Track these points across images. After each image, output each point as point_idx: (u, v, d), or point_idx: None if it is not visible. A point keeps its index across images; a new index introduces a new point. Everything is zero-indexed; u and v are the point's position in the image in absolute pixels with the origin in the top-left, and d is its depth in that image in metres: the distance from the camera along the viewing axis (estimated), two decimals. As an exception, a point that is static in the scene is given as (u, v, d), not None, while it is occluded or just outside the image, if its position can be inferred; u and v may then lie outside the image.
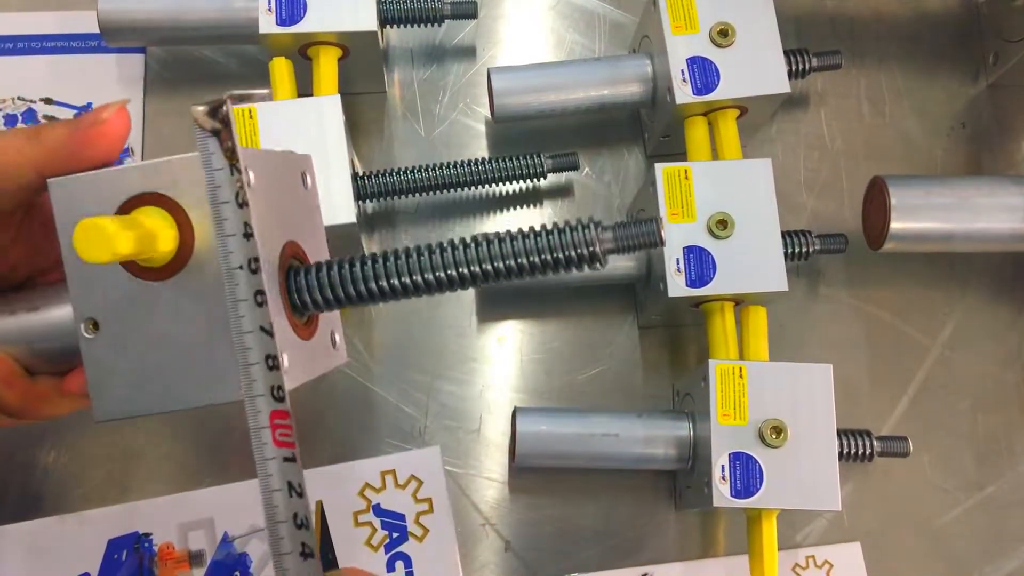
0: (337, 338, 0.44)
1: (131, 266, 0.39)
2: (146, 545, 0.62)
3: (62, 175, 0.39)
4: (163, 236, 0.37)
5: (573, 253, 0.38)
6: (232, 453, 0.65)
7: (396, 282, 0.39)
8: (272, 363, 0.35)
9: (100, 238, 0.34)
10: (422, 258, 0.39)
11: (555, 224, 0.38)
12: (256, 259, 0.35)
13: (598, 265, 0.39)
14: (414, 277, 0.39)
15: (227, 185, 0.35)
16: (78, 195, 0.39)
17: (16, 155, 0.40)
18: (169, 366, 0.39)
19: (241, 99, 0.40)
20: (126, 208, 0.38)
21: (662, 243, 0.39)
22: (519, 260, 0.38)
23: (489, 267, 0.38)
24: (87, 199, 0.39)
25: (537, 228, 0.38)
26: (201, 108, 0.34)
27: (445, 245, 0.39)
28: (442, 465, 0.65)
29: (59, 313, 0.44)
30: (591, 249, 0.38)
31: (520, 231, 0.39)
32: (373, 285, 0.39)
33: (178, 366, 0.39)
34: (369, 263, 0.39)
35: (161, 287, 0.39)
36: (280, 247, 0.39)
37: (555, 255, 0.38)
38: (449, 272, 0.38)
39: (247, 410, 0.35)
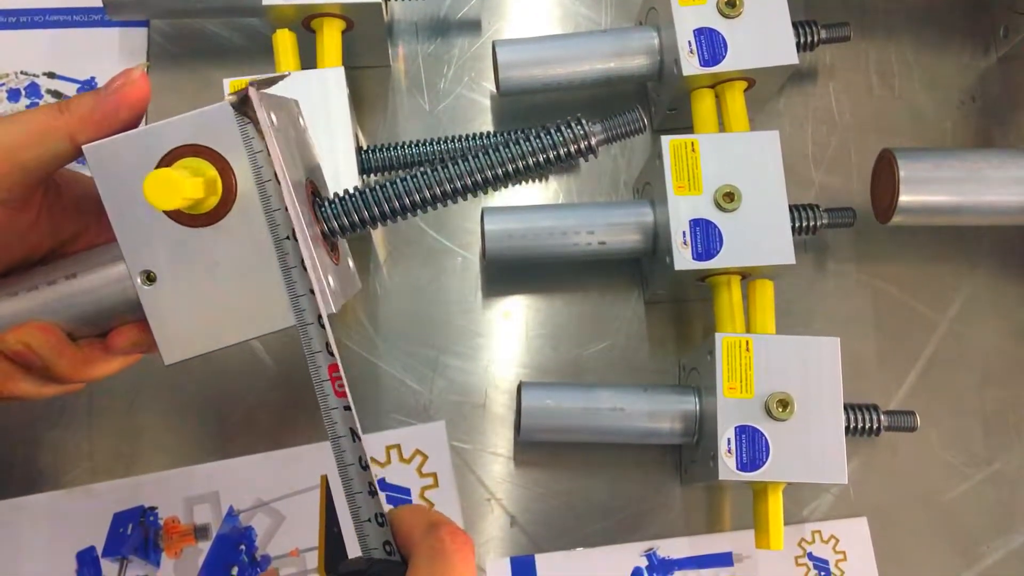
0: (350, 263, 0.49)
1: (178, 216, 0.41)
2: (151, 519, 0.62)
3: (93, 141, 0.40)
4: (209, 173, 0.40)
5: (571, 149, 0.43)
6: (238, 427, 0.65)
7: (416, 197, 0.43)
8: (322, 322, 0.39)
9: (170, 185, 0.37)
10: (435, 173, 0.43)
11: (547, 126, 0.42)
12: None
13: (592, 157, 0.43)
14: (431, 191, 0.43)
15: (267, 165, 0.39)
16: (116, 156, 0.40)
17: (47, 125, 0.41)
18: (224, 303, 0.42)
19: (262, 84, 0.40)
20: (165, 163, 0.40)
21: (645, 128, 0.44)
22: (522, 162, 0.43)
23: (498, 172, 0.43)
24: (125, 159, 0.40)
25: (533, 132, 0.43)
26: (232, 98, 0.39)
27: (455, 156, 0.43)
28: (447, 440, 0.65)
29: (98, 277, 0.45)
30: (585, 143, 0.42)
31: (518, 135, 0.43)
32: (396, 203, 0.43)
33: (232, 302, 0.42)
34: (388, 185, 0.43)
35: (209, 231, 0.41)
36: (304, 186, 0.43)
37: (555, 152, 0.43)
38: (462, 182, 0.43)
39: (309, 367, 0.40)
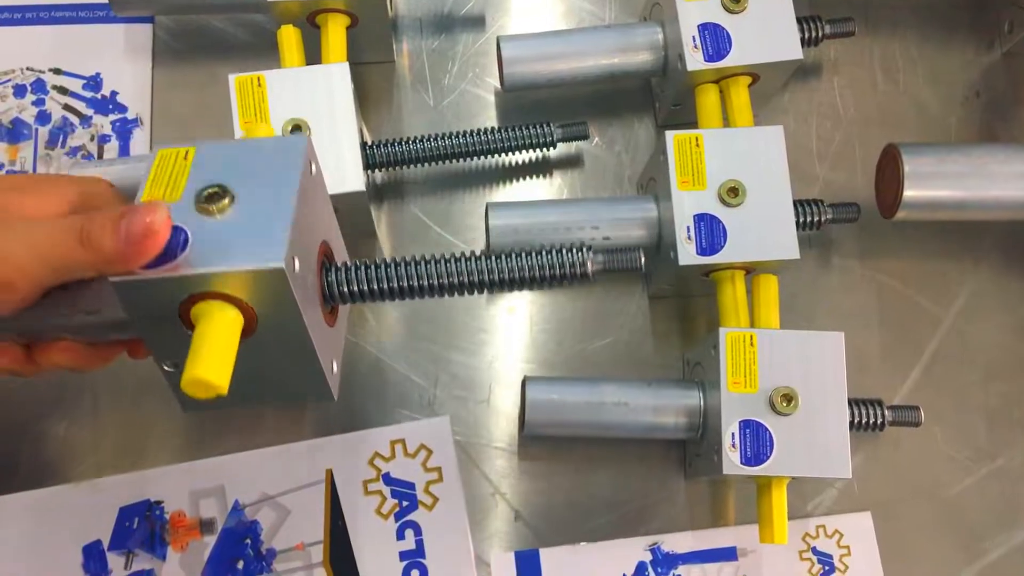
0: (344, 323, 0.51)
1: None
2: (157, 513, 0.63)
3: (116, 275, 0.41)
4: (232, 325, 0.41)
5: (568, 271, 0.47)
6: (243, 422, 0.65)
7: (417, 283, 0.47)
8: None
9: (206, 388, 0.39)
10: (438, 265, 0.47)
11: (552, 246, 0.46)
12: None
13: (588, 281, 0.47)
14: (435, 280, 0.47)
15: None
16: (144, 290, 0.41)
17: (69, 257, 0.41)
18: (244, 381, 0.43)
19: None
20: (190, 302, 0.41)
21: (642, 269, 0.48)
22: (520, 275, 0.47)
23: (494, 278, 0.47)
24: (154, 295, 0.41)
25: (537, 248, 0.46)
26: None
27: (459, 256, 0.47)
28: (451, 434, 0.65)
29: (120, 314, 0.44)
30: (583, 269, 0.47)
31: (523, 250, 0.47)
32: (396, 284, 0.47)
33: (253, 383, 0.46)
34: (394, 265, 0.47)
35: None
36: (315, 252, 0.46)
37: (552, 272, 0.47)
38: (460, 279, 0.47)
39: None
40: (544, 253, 0.47)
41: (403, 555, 0.63)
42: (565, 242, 0.47)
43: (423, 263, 0.47)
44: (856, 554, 0.65)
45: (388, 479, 0.64)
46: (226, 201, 0.42)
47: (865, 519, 0.66)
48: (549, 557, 0.64)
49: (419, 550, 0.63)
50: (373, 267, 0.47)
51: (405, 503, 0.64)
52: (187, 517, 0.63)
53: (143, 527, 0.62)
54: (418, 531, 0.63)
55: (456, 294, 0.48)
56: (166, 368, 0.46)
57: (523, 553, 0.64)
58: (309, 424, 0.65)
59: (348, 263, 0.47)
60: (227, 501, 0.63)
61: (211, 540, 0.62)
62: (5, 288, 0.42)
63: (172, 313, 0.42)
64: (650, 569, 0.64)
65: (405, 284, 0.47)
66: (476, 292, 0.48)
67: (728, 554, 0.65)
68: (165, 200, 0.42)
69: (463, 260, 0.47)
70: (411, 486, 0.64)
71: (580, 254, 0.47)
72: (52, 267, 0.42)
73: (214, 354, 0.40)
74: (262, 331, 0.43)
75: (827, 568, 0.65)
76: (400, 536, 0.63)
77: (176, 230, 0.41)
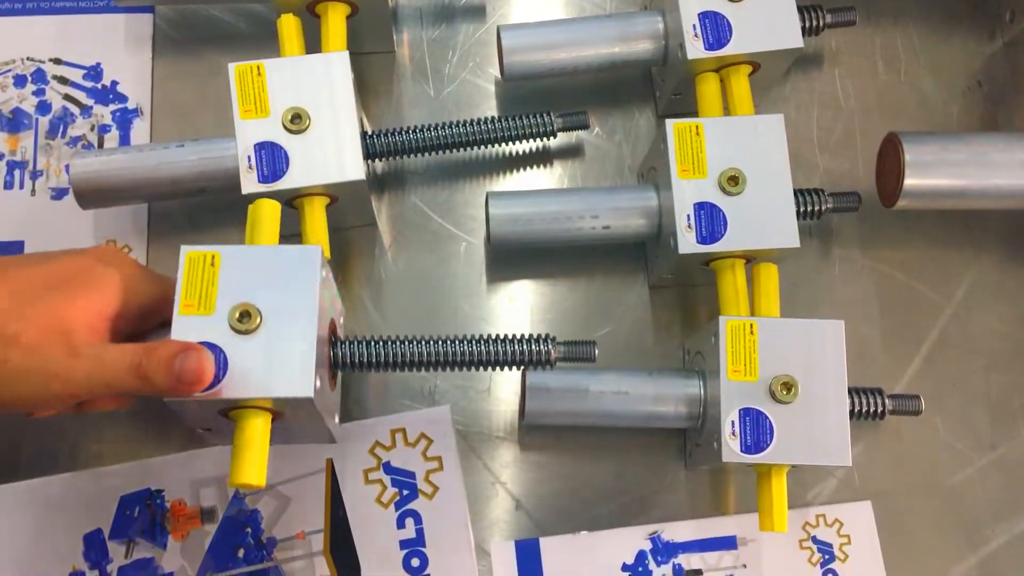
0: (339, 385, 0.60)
1: None
2: (158, 502, 0.63)
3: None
4: (265, 428, 0.51)
5: (533, 357, 0.56)
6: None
7: (408, 359, 0.56)
8: None
9: (250, 488, 0.52)
10: (422, 346, 0.56)
11: (521, 335, 0.56)
12: None
13: (548, 368, 0.57)
14: (422, 359, 0.56)
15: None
16: (191, 407, 0.50)
17: (125, 383, 0.48)
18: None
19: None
20: (224, 410, 0.51)
21: (595, 360, 0.57)
22: (491, 358, 0.56)
23: (474, 358, 0.56)
24: (197, 409, 0.50)
25: (505, 336, 0.56)
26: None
27: (447, 340, 0.56)
28: (452, 424, 0.65)
29: None
30: (547, 357, 0.56)
31: (497, 337, 0.56)
32: (391, 359, 0.56)
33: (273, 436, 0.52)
34: (390, 344, 0.56)
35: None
36: (327, 332, 0.55)
37: (519, 357, 0.56)
38: (446, 359, 0.56)
39: None
40: (514, 343, 0.56)
41: (403, 544, 0.63)
42: (533, 334, 0.56)
43: (414, 343, 0.56)
44: (856, 543, 0.65)
45: (388, 468, 0.64)
46: (256, 322, 0.50)
47: (865, 508, 0.66)
48: (549, 546, 0.64)
49: (419, 539, 0.63)
50: (371, 343, 0.56)
51: (405, 492, 0.64)
52: (187, 506, 0.63)
53: (144, 516, 0.63)
54: (418, 520, 0.63)
55: (442, 369, 0.57)
56: (199, 430, 0.56)
57: (523, 542, 0.64)
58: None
59: (350, 338, 0.57)
60: (227, 490, 0.63)
61: (212, 529, 0.63)
62: (64, 401, 0.50)
63: (213, 413, 0.51)
64: (650, 558, 0.64)
65: (398, 360, 0.56)
66: (456, 369, 0.57)
67: (728, 543, 0.65)
68: (200, 313, 0.50)
69: (447, 344, 0.56)
70: (411, 475, 0.64)
71: (546, 344, 0.56)
72: (108, 388, 0.49)
73: (253, 460, 0.49)
74: (286, 419, 0.53)
75: (827, 557, 0.65)
76: (400, 525, 0.63)
77: (216, 351, 0.49)
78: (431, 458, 0.64)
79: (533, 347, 0.56)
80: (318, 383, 0.51)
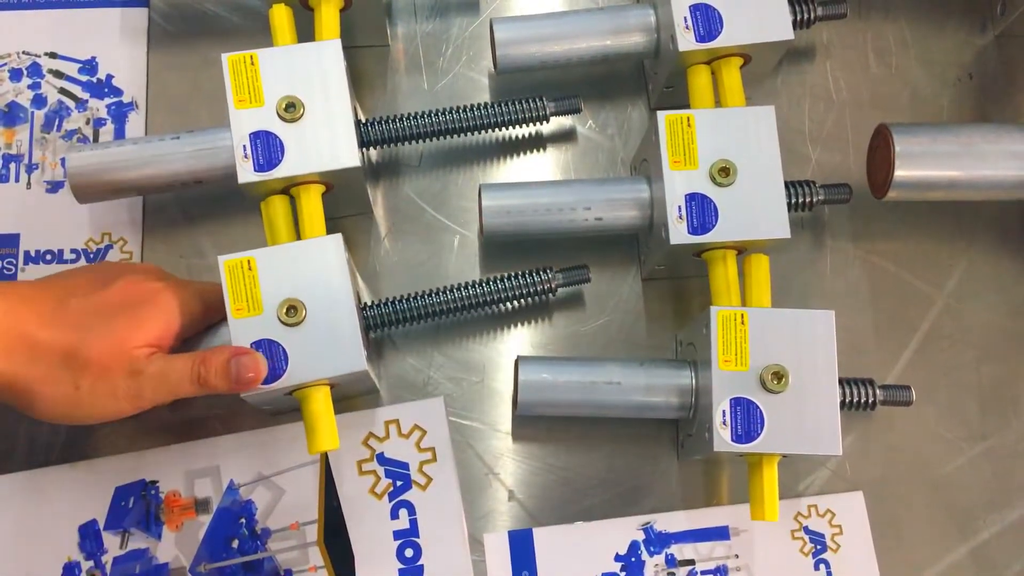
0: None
1: None
2: (153, 492, 0.63)
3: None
4: (327, 399, 0.57)
5: (537, 288, 0.64)
6: (239, 402, 0.65)
7: (421, 312, 0.63)
8: None
9: (330, 449, 0.56)
10: (440, 296, 0.63)
11: (523, 271, 0.64)
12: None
13: (551, 296, 0.65)
14: (432, 308, 0.63)
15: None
16: (263, 396, 0.56)
17: (184, 390, 0.55)
18: None
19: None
20: (289, 391, 0.57)
21: (589, 280, 0.66)
22: (501, 295, 0.63)
23: (484, 298, 0.63)
24: (267, 395, 0.56)
25: (509, 274, 0.64)
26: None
27: (460, 287, 0.63)
28: (445, 415, 0.65)
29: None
30: (548, 285, 0.64)
31: (502, 276, 0.64)
32: (410, 315, 0.63)
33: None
34: (408, 300, 0.63)
35: None
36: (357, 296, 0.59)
37: (524, 290, 0.64)
38: (456, 303, 0.63)
39: None
40: (519, 276, 0.64)
41: (397, 534, 0.63)
42: (532, 269, 0.64)
43: (431, 295, 0.63)
44: (848, 533, 0.65)
45: (382, 459, 0.64)
46: (302, 314, 0.56)
47: (857, 499, 0.66)
48: (542, 536, 0.64)
49: (413, 529, 0.63)
50: (395, 303, 0.63)
51: (399, 483, 0.64)
52: (182, 497, 0.63)
53: (138, 507, 0.63)
54: (412, 511, 0.63)
55: (458, 315, 0.64)
56: (264, 408, 0.63)
57: (516, 533, 0.64)
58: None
59: (375, 302, 0.63)
60: (222, 481, 0.64)
61: (206, 520, 0.63)
62: (134, 412, 0.55)
63: (280, 396, 0.57)
64: (643, 548, 0.64)
65: (420, 312, 0.62)
66: (473, 312, 0.64)
67: (721, 533, 0.65)
68: (251, 314, 0.56)
69: (459, 288, 0.63)
70: (405, 466, 0.64)
71: (545, 275, 0.64)
72: (173, 397, 0.55)
73: (325, 428, 0.56)
74: (340, 387, 0.59)
75: (819, 547, 0.65)
76: (394, 516, 0.63)
77: (275, 346, 0.55)
78: (425, 449, 0.65)
79: (535, 277, 0.64)
80: (365, 354, 0.57)
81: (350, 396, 0.65)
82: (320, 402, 0.56)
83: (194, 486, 0.63)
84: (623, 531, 0.65)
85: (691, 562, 0.64)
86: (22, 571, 0.61)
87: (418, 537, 0.63)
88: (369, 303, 0.63)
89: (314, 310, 0.56)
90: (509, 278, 0.64)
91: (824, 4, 0.68)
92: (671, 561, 0.64)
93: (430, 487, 0.64)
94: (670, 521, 0.65)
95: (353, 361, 0.56)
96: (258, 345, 0.55)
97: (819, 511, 0.66)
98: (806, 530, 0.65)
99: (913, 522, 0.66)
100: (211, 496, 0.63)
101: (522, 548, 0.64)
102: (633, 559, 0.64)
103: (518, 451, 0.66)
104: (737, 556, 0.64)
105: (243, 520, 0.63)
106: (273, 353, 0.55)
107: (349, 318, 0.56)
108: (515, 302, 0.66)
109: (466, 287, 0.63)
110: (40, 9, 0.73)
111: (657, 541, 0.65)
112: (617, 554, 0.64)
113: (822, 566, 0.65)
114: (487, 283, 0.64)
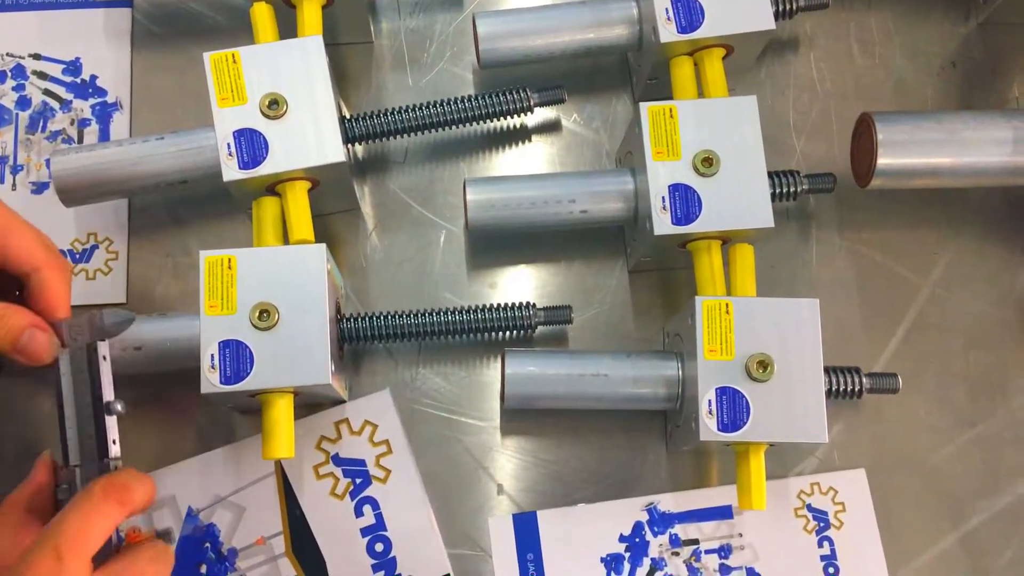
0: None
1: None
2: (115, 533, 0.61)
3: None
4: (288, 408, 0.57)
5: (517, 323, 0.63)
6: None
7: (397, 332, 0.63)
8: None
9: (283, 458, 0.58)
10: (418, 319, 0.63)
11: (506, 303, 0.64)
12: None
13: (530, 333, 0.65)
14: (410, 330, 0.63)
15: None
16: (225, 396, 0.56)
17: None
18: None
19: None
20: (252, 394, 0.56)
21: (570, 322, 0.65)
22: (481, 324, 0.63)
23: (464, 326, 0.63)
24: (230, 396, 0.57)
25: (489, 305, 0.64)
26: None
27: (440, 312, 0.63)
28: (394, 406, 0.65)
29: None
30: (529, 321, 0.64)
31: (483, 307, 0.64)
32: (387, 332, 0.62)
33: None
34: (387, 318, 0.63)
35: None
36: (334, 310, 0.59)
37: (504, 323, 0.63)
38: (435, 327, 0.63)
39: None
40: (500, 309, 0.63)
41: (364, 531, 0.63)
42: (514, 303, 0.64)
43: (409, 316, 0.63)
44: (851, 510, 0.65)
45: (337, 460, 0.64)
46: (275, 319, 0.55)
47: (860, 476, 0.66)
48: (547, 519, 0.64)
49: (379, 523, 0.63)
50: (373, 319, 0.62)
51: (358, 480, 0.64)
52: (142, 532, 0.62)
53: (103, 549, 0.61)
54: (375, 505, 0.63)
55: (433, 338, 0.64)
56: (227, 406, 0.63)
57: (521, 516, 0.64)
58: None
59: (353, 315, 0.63)
60: (180, 509, 0.63)
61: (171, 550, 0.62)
62: None
63: (243, 399, 0.57)
64: (646, 528, 0.64)
65: (395, 332, 0.62)
66: (448, 338, 0.64)
67: (724, 512, 0.65)
68: (223, 312, 0.56)
69: (438, 314, 0.63)
70: (361, 463, 0.64)
71: (527, 310, 0.63)
72: None
73: (281, 436, 0.56)
74: (304, 396, 0.59)
75: (822, 524, 0.65)
76: (359, 513, 0.63)
77: (243, 349, 0.55)
78: (378, 443, 0.65)
79: (515, 313, 0.63)
80: (332, 368, 0.56)
81: (315, 404, 0.65)
82: (281, 409, 0.56)
83: (152, 519, 0.63)
84: (627, 512, 0.65)
85: (695, 541, 0.64)
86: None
87: (386, 531, 0.63)
88: (348, 315, 0.62)
89: (287, 317, 0.56)
90: (491, 309, 0.63)
91: (806, -6, 0.69)
92: (675, 541, 0.64)
93: (390, 479, 0.64)
94: (673, 501, 0.65)
95: (319, 374, 0.56)
96: (225, 345, 0.55)
97: (822, 489, 0.66)
98: (809, 508, 0.65)
99: (902, 510, 0.66)
100: (171, 526, 0.62)
101: (527, 531, 0.64)
102: (637, 539, 0.64)
103: (508, 445, 0.66)
104: (741, 535, 0.65)
105: (208, 544, 0.63)
106: (239, 355, 0.55)
107: (321, 330, 0.56)
108: (495, 334, 0.65)
109: (448, 313, 0.63)
110: (24, 10, 0.73)
111: (661, 521, 0.65)
112: (621, 535, 0.64)
113: (826, 543, 0.65)
114: (469, 311, 0.63)
